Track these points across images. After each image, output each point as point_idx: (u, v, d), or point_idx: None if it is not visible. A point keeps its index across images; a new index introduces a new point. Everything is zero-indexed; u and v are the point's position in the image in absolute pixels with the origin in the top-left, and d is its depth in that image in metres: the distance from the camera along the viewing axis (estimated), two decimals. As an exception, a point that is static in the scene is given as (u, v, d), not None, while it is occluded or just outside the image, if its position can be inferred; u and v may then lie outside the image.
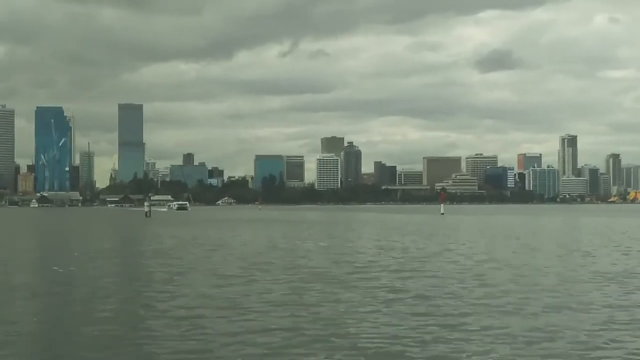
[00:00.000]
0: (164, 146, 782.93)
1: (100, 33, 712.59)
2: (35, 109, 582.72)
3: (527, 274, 33.64)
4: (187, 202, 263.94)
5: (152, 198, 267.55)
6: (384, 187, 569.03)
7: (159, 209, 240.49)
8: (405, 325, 20.83)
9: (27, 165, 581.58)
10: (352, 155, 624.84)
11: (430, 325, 20.74)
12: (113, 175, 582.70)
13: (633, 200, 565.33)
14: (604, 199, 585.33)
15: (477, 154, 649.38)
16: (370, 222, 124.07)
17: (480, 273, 34.02)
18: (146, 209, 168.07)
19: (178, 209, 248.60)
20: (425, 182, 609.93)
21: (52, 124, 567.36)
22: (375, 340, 18.80)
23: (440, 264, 39.45)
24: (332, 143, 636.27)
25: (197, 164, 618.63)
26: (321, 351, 17.71)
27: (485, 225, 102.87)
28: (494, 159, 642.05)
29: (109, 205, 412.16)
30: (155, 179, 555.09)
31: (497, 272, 34.75)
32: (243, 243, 60.70)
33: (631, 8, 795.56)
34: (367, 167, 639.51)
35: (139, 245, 60.51)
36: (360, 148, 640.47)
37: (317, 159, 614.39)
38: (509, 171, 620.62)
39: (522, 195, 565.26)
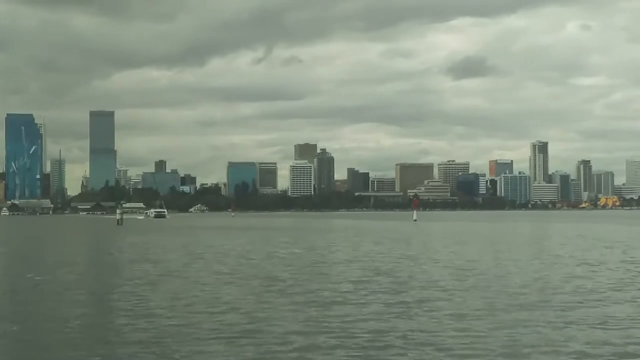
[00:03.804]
0: (136, 153, 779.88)
1: (73, 40, 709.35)
2: (5, 116, 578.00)
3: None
4: (164, 210, 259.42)
5: (124, 206, 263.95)
6: (357, 194, 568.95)
7: (135, 217, 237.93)
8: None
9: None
10: (325, 162, 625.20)
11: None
12: (84, 183, 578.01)
13: (604, 206, 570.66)
14: (575, 205, 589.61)
15: (449, 161, 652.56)
16: (351, 229, 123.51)
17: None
18: (118, 216, 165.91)
19: (156, 216, 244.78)
20: (398, 188, 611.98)
21: (23, 131, 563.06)
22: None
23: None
24: (305, 150, 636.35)
25: (169, 171, 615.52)
26: None
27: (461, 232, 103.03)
28: (466, 166, 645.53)
29: (80, 213, 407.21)
30: (127, 187, 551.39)
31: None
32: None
33: (603, 15, 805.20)
34: (340, 174, 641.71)
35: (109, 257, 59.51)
36: (333, 155, 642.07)
37: (290, 166, 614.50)
38: (480, 178, 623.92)
39: (493, 201, 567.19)
